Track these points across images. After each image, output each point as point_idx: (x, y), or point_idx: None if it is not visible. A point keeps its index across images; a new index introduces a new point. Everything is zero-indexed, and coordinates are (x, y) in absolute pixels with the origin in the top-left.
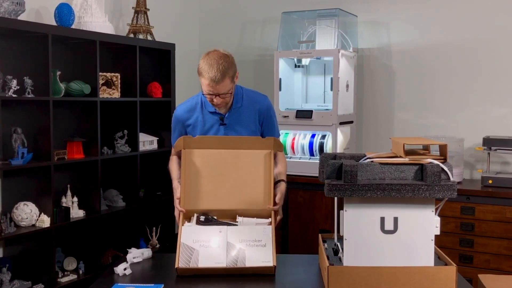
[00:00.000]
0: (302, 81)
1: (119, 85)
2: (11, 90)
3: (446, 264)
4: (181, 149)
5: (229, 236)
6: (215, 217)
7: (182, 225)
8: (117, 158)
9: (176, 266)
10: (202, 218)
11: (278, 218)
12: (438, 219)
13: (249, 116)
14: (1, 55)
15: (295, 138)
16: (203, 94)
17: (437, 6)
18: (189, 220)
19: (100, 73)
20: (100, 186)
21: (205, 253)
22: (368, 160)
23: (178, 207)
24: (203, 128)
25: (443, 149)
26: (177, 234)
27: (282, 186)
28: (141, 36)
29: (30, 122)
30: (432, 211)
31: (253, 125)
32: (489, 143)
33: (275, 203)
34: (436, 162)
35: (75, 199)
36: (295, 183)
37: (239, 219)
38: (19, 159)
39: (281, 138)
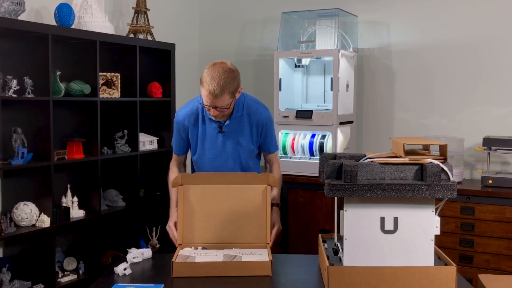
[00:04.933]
0: (302, 81)
1: (119, 85)
2: (11, 90)
3: (446, 264)
4: (179, 185)
5: (225, 251)
6: None
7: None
8: (117, 158)
9: (172, 260)
10: (199, 248)
11: (277, 228)
12: (438, 219)
13: (247, 126)
14: (1, 55)
15: (295, 138)
16: (200, 103)
17: (437, 6)
18: None
19: (100, 73)
20: (100, 186)
21: (203, 255)
22: (368, 160)
23: (174, 234)
24: (202, 134)
25: (443, 149)
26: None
27: (275, 214)
28: (141, 36)
29: (30, 122)
30: (432, 211)
31: (250, 136)
32: (489, 143)
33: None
34: (436, 162)
35: (75, 199)
36: (295, 183)
37: (235, 249)
38: (19, 159)
39: (281, 138)
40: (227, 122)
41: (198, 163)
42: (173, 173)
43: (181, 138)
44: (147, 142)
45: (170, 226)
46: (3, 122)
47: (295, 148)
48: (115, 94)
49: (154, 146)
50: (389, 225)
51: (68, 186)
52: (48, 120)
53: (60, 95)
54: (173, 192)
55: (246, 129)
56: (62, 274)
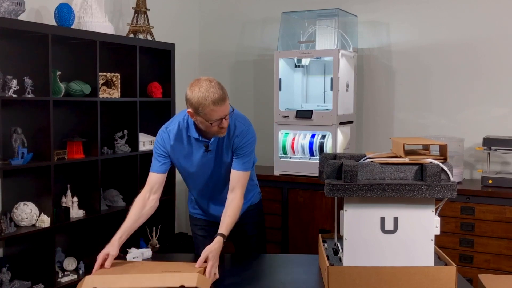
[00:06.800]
0: (302, 81)
1: (119, 85)
2: (11, 90)
3: (446, 264)
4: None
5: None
6: None
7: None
8: (117, 158)
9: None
10: None
11: (210, 265)
12: (438, 219)
13: (227, 142)
14: (1, 55)
15: (295, 138)
16: (209, 122)
17: (437, 6)
18: None
19: (100, 73)
20: (100, 186)
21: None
22: (368, 160)
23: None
24: (189, 153)
25: (443, 149)
26: (177, 234)
27: (215, 245)
28: (141, 36)
29: (30, 122)
30: (432, 211)
31: (228, 152)
32: (489, 143)
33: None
34: (436, 162)
35: (75, 199)
36: (295, 183)
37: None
38: (19, 159)
39: (281, 138)
40: (212, 139)
41: (190, 183)
42: (134, 207)
43: (163, 157)
44: (147, 142)
45: (99, 257)
46: (3, 122)
47: (295, 148)
48: (115, 94)
49: None
50: (389, 225)
51: (68, 186)
52: (48, 120)
53: (60, 95)
54: (128, 215)
55: (226, 146)
56: (62, 274)
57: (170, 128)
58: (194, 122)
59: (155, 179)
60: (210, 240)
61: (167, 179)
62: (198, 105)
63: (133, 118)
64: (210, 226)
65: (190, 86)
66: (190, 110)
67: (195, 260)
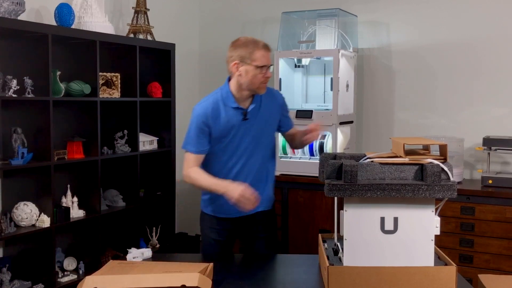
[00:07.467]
0: (302, 81)
1: (119, 85)
2: (11, 90)
3: (446, 264)
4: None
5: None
6: None
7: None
8: (117, 158)
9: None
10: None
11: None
12: (438, 219)
13: (269, 110)
14: (1, 55)
15: None
16: (257, 68)
17: (437, 6)
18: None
19: (100, 73)
20: (100, 186)
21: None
22: (368, 160)
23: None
24: (227, 124)
25: (443, 149)
26: (177, 233)
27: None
28: (141, 36)
29: (30, 122)
30: (432, 211)
31: (273, 120)
32: (489, 143)
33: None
34: (436, 162)
35: (75, 199)
36: (295, 183)
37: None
38: (19, 159)
39: (281, 138)
40: (251, 106)
41: (218, 154)
42: (199, 173)
43: (203, 134)
44: (147, 142)
45: (249, 194)
46: (3, 122)
47: None
48: (115, 94)
49: (154, 146)
50: (389, 225)
51: (68, 186)
52: (48, 120)
53: (60, 95)
54: (201, 180)
55: (267, 114)
56: (62, 274)
57: (207, 103)
58: (231, 92)
59: (199, 159)
60: (223, 244)
61: (168, 180)
62: (247, 51)
63: (133, 118)
64: (224, 230)
65: (232, 44)
66: (236, 61)
67: (196, 260)
